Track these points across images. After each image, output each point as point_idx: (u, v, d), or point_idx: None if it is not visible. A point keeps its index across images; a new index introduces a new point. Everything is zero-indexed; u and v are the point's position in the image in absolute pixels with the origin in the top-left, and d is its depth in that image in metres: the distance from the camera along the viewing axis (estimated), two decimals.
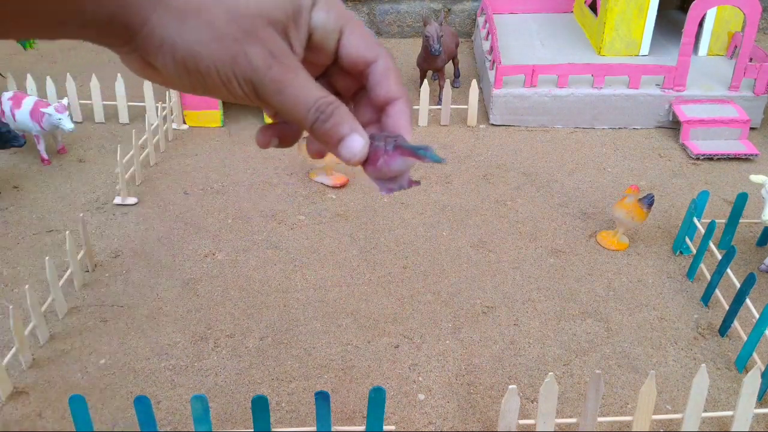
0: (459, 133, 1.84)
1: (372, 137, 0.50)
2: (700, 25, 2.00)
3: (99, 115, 1.92)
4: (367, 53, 0.51)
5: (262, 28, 0.47)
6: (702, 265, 1.25)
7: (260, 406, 0.84)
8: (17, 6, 0.46)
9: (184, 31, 0.47)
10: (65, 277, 1.22)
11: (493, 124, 1.88)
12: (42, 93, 1.89)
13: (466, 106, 1.88)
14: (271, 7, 0.47)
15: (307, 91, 0.48)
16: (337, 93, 0.52)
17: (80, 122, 1.90)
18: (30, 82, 1.89)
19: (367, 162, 0.49)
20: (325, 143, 0.49)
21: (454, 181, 1.58)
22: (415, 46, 2.47)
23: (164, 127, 1.81)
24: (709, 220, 1.27)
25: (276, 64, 0.47)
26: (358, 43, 0.50)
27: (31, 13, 0.47)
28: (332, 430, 0.88)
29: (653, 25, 1.97)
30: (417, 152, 0.48)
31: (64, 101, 1.67)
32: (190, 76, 0.48)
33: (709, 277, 1.21)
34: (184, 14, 0.47)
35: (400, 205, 1.45)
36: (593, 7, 2.21)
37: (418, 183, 0.49)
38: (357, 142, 0.48)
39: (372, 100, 0.52)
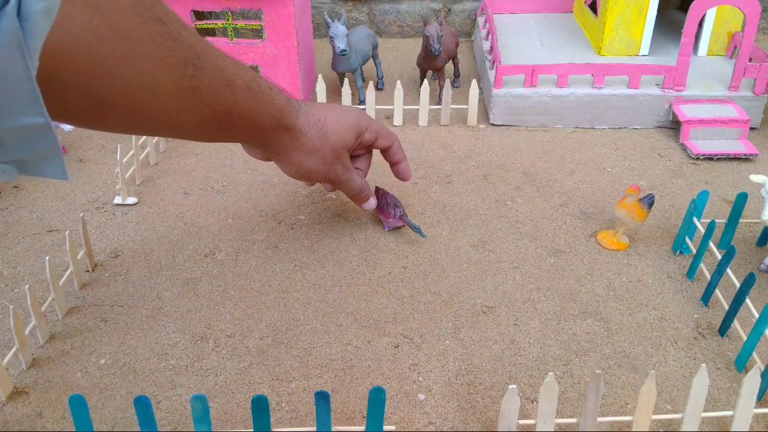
0: (459, 133, 1.84)
1: (385, 198, 1.28)
2: (700, 25, 2.00)
3: None
4: (389, 143, 1.20)
5: (343, 152, 1.07)
6: (702, 265, 1.25)
7: (260, 406, 0.84)
8: (200, 135, 0.86)
9: (309, 160, 1.03)
10: (65, 277, 1.23)
11: (493, 124, 1.88)
12: None
13: (466, 106, 1.88)
14: (349, 141, 1.07)
15: (357, 181, 1.15)
16: (366, 147, 1.20)
17: None
18: None
19: (379, 211, 1.27)
20: (359, 202, 1.21)
21: (454, 181, 1.58)
22: (415, 46, 2.47)
23: None
24: (709, 220, 1.27)
25: (346, 171, 1.10)
26: (385, 141, 1.19)
27: (209, 138, 0.87)
28: (332, 430, 0.88)
29: (653, 25, 1.97)
30: (412, 227, 1.27)
31: None
32: (300, 177, 1.07)
33: (709, 277, 1.21)
34: (311, 152, 1.01)
35: None
36: (593, 7, 2.20)
37: (401, 227, 1.32)
38: (372, 204, 1.23)
39: (387, 158, 1.24)
